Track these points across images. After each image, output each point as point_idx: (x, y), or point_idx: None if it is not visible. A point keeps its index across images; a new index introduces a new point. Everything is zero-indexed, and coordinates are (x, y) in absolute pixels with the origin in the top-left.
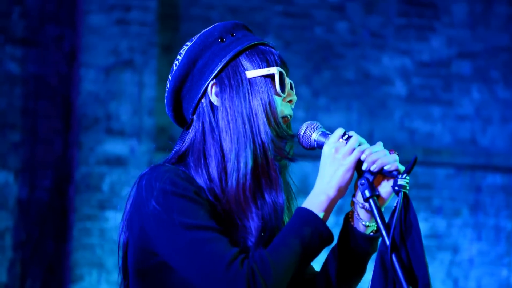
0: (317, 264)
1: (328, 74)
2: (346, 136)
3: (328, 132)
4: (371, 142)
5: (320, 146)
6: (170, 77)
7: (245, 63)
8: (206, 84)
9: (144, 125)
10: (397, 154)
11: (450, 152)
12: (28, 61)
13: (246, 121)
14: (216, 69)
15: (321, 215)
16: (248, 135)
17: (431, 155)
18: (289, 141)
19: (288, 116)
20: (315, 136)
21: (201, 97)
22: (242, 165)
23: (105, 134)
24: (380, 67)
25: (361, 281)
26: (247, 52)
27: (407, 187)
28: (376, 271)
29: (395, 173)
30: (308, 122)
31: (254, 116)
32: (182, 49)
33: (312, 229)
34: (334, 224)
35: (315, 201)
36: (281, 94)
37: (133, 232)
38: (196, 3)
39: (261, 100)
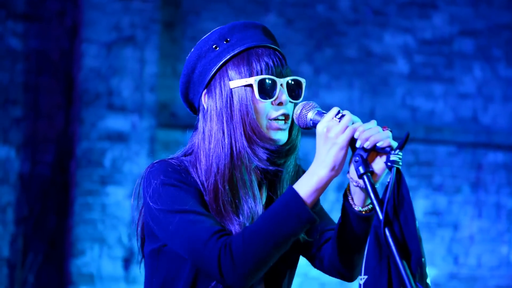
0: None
1: (330, 52)
2: (340, 115)
3: (324, 112)
4: (373, 119)
5: (315, 125)
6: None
7: (231, 72)
8: (201, 93)
9: (145, 101)
10: (390, 131)
11: (452, 130)
12: (29, 37)
13: (225, 131)
14: (207, 79)
15: (309, 196)
16: (226, 145)
17: (432, 133)
18: (270, 147)
19: (280, 117)
20: (310, 115)
21: (199, 104)
22: (219, 176)
23: (106, 109)
24: (382, 45)
25: None
26: (235, 59)
27: (400, 163)
28: (370, 246)
29: (388, 149)
30: (304, 101)
31: (233, 126)
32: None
33: (291, 210)
34: (335, 201)
35: (306, 182)
36: (263, 100)
37: (144, 220)
38: None
39: (239, 111)
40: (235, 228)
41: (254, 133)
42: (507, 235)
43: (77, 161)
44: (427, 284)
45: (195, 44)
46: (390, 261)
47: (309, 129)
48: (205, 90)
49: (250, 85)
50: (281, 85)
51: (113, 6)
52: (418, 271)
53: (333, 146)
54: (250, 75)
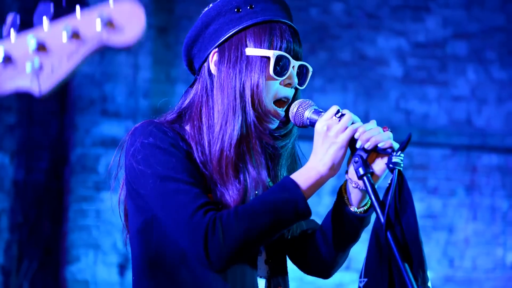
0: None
1: (324, 55)
2: (340, 114)
3: (321, 110)
4: (373, 120)
5: (312, 124)
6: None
7: (250, 39)
8: (211, 50)
9: (139, 107)
10: (391, 131)
11: (446, 132)
12: None
13: (237, 96)
14: (222, 38)
15: (305, 188)
16: (237, 111)
17: (426, 136)
18: (272, 124)
19: (283, 99)
20: (307, 114)
21: (204, 61)
22: (226, 137)
23: (100, 115)
24: (376, 48)
25: (356, 258)
26: (256, 28)
27: (402, 165)
28: (371, 248)
29: (389, 150)
30: (301, 100)
31: (243, 94)
32: (203, 10)
33: (289, 198)
34: (329, 205)
35: (304, 175)
36: (275, 77)
37: (126, 185)
38: None
39: (251, 80)
40: (233, 194)
41: (260, 106)
42: (502, 238)
43: (72, 167)
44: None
45: (215, 2)
46: (391, 264)
47: (305, 127)
48: (216, 49)
49: (268, 58)
50: (293, 67)
51: None
52: (420, 274)
53: (332, 145)
54: (269, 48)
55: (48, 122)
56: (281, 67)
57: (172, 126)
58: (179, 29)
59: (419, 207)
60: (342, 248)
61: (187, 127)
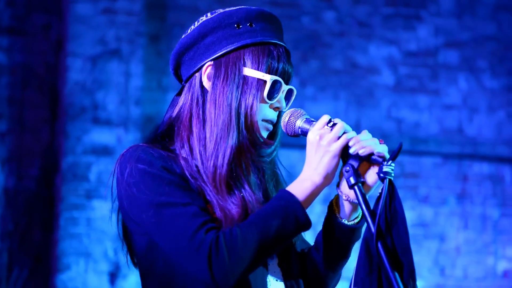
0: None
1: (316, 64)
2: (331, 123)
3: (313, 119)
4: (359, 131)
5: (304, 133)
6: (180, 39)
7: (248, 58)
8: (205, 62)
9: (131, 115)
10: (385, 145)
11: (437, 141)
12: (14, 50)
13: (233, 114)
14: (219, 52)
15: (303, 200)
16: (232, 127)
17: (418, 144)
18: (259, 148)
19: (270, 121)
20: (299, 123)
21: (197, 71)
22: (221, 154)
23: (92, 123)
24: (367, 57)
25: (347, 267)
26: (255, 48)
27: (393, 174)
28: (361, 258)
29: (380, 160)
30: (292, 109)
31: (239, 113)
32: (200, 18)
33: (290, 211)
34: (321, 214)
35: (300, 186)
36: (268, 101)
37: (121, 210)
38: None
39: (246, 101)
40: (231, 208)
41: (252, 127)
42: (493, 246)
43: (63, 175)
44: None
45: (214, 13)
46: (381, 273)
47: (297, 137)
48: (212, 62)
49: (264, 82)
50: (283, 91)
51: (98, 20)
52: (411, 283)
53: (326, 154)
54: (266, 71)
55: (39, 129)
56: (274, 91)
57: (161, 144)
58: (171, 37)
59: (410, 215)
60: (333, 265)
61: (177, 141)
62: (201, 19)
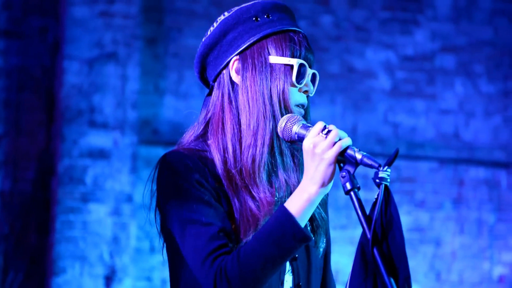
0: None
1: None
2: (326, 130)
3: (309, 125)
4: (355, 135)
5: (301, 139)
6: (201, 42)
7: (271, 47)
8: (231, 57)
9: (127, 118)
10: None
11: (434, 146)
12: (11, 53)
13: (267, 102)
14: (243, 46)
15: (300, 214)
16: (268, 115)
17: (414, 149)
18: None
19: (301, 105)
20: (296, 129)
21: (224, 68)
22: (259, 142)
23: (88, 126)
24: (364, 61)
25: (342, 271)
26: (276, 36)
27: (388, 180)
28: (356, 263)
29: (375, 165)
30: (289, 114)
31: (271, 100)
32: (218, 18)
33: (286, 230)
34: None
35: (297, 200)
36: (297, 84)
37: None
38: None
39: (277, 87)
40: (266, 196)
41: (286, 111)
42: (489, 251)
43: (59, 178)
44: None
45: (231, 11)
46: (377, 278)
47: (294, 143)
48: (237, 56)
49: (291, 66)
50: (308, 75)
51: (95, 23)
52: None
53: (321, 162)
54: (291, 56)
55: (35, 132)
56: (301, 75)
57: (197, 144)
58: (168, 40)
59: (406, 220)
60: None
61: (211, 140)
62: (219, 19)
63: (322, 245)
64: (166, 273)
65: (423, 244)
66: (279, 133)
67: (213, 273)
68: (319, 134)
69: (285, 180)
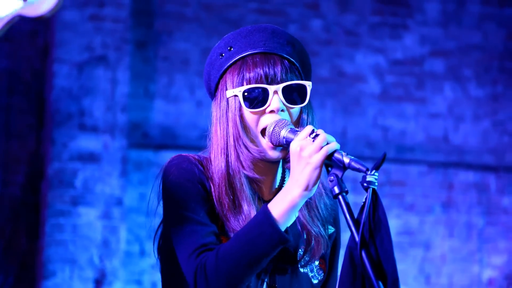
0: None
1: None
2: (314, 134)
3: (297, 129)
4: (345, 139)
5: (288, 143)
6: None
7: (228, 81)
8: (212, 101)
9: (117, 121)
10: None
11: (423, 149)
12: (1, 56)
13: (224, 136)
14: (213, 87)
15: (281, 215)
16: (222, 148)
17: (404, 153)
18: (258, 157)
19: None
20: (284, 133)
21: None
22: (218, 171)
23: (78, 130)
24: (354, 65)
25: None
26: (231, 69)
27: (376, 183)
28: (345, 266)
29: (363, 169)
30: (277, 119)
31: (228, 134)
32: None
33: (263, 230)
34: None
35: (280, 201)
36: (253, 110)
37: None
38: None
39: (232, 121)
40: (234, 225)
41: (244, 144)
42: (478, 255)
43: (49, 181)
44: None
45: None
46: (365, 282)
47: (281, 146)
48: (214, 98)
49: (236, 96)
50: (275, 91)
51: (85, 26)
52: None
53: (307, 165)
54: (241, 85)
55: (25, 136)
56: (257, 98)
57: (201, 161)
58: (157, 44)
59: (396, 223)
60: None
61: (209, 163)
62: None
63: (313, 265)
64: (156, 276)
65: (413, 248)
66: (267, 137)
67: (195, 266)
68: (307, 137)
69: (248, 210)
